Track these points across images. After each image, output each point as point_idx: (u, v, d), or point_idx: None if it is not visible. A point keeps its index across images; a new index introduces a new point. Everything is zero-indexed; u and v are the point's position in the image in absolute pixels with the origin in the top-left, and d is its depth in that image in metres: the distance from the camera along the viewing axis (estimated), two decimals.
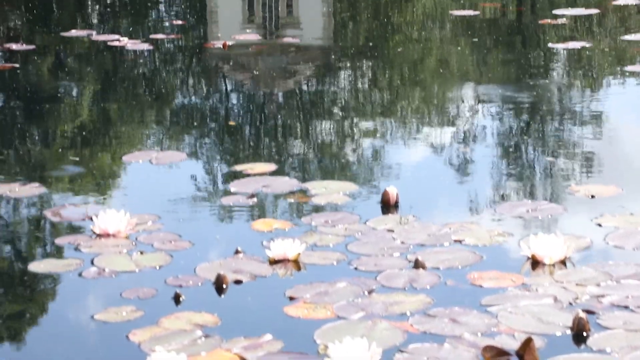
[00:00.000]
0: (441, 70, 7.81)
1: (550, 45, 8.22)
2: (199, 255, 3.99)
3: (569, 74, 7.52)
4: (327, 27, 9.83)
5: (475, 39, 8.58)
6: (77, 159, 5.58)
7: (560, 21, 8.96)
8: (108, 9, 10.21)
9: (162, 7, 10.44)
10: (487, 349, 3.11)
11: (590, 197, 4.60)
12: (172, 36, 8.87)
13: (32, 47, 8.30)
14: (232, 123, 6.32)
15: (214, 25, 9.82)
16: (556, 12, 9.32)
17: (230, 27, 9.74)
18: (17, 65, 7.78)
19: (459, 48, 8.45)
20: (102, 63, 8.08)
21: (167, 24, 9.56)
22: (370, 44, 8.76)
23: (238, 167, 5.19)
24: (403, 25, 9.62)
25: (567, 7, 9.53)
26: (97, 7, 10.34)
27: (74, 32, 8.82)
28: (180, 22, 9.45)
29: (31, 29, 9.28)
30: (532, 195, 4.79)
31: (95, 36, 8.68)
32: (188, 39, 8.91)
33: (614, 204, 4.47)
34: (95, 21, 9.73)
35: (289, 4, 10.80)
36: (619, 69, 7.56)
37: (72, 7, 10.28)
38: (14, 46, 8.30)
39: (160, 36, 8.80)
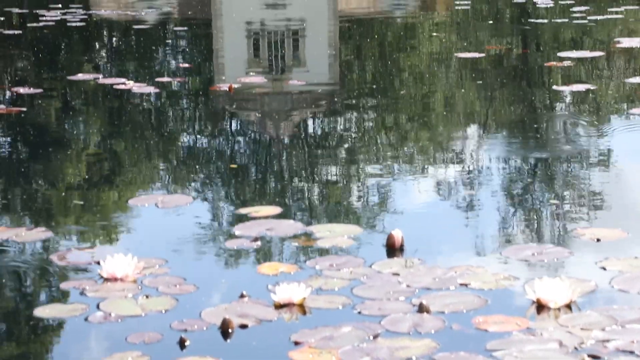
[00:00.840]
0: (446, 113, 7.84)
1: (555, 87, 8.25)
2: (204, 299, 3.99)
3: (574, 117, 7.54)
4: (333, 68, 9.87)
5: (480, 82, 8.61)
6: (82, 202, 5.59)
7: (565, 63, 8.99)
8: (114, 52, 10.27)
9: (168, 49, 10.50)
10: None
11: (595, 240, 4.60)
12: (178, 79, 8.91)
13: (39, 90, 8.34)
14: (233, 165, 6.33)
15: (220, 67, 9.87)
16: (561, 54, 9.36)
17: (237, 69, 9.79)
18: (24, 108, 7.82)
19: (464, 90, 8.48)
20: (109, 106, 8.11)
21: (173, 66, 9.61)
22: (376, 85, 8.78)
23: (243, 210, 5.20)
24: (408, 67, 9.67)
25: (572, 50, 9.57)
26: (103, 50, 10.40)
27: (80, 76, 8.87)
28: (186, 64, 9.49)
29: (38, 72, 9.33)
30: (537, 238, 4.78)
31: (102, 79, 8.72)
32: (194, 81, 8.94)
33: (619, 247, 4.47)
34: (101, 64, 9.77)
35: (295, 45, 10.86)
36: (624, 111, 7.58)
37: (79, 50, 10.34)
38: (22, 90, 8.35)
39: (166, 79, 8.84)
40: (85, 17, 11.85)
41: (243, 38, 11.22)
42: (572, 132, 7.12)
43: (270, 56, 10.21)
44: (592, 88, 8.10)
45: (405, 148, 6.88)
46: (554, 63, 9.07)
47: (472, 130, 7.30)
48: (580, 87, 8.12)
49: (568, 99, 7.95)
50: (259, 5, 13.83)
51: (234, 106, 8.02)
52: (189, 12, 12.64)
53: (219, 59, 10.15)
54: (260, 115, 7.72)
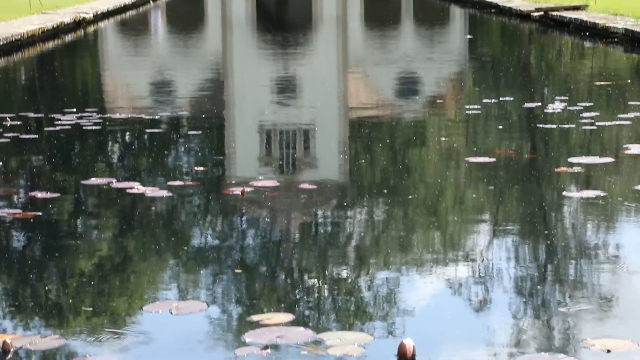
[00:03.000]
0: (456, 216, 7.87)
1: (565, 193, 8.30)
2: None
3: (584, 222, 7.57)
4: (343, 167, 9.93)
5: (491, 186, 8.67)
6: (96, 308, 5.61)
7: (575, 169, 9.05)
8: (127, 156, 10.37)
9: (181, 151, 10.59)
10: None
11: (605, 351, 4.60)
12: (190, 183, 8.97)
13: (53, 195, 8.42)
14: (237, 271, 6.35)
15: (232, 170, 9.94)
16: (570, 160, 9.42)
17: (249, 170, 9.86)
18: (39, 213, 7.88)
19: (475, 194, 8.52)
20: (121, 211, 8.17)
21: (185, 169, 9.69)
22: (386, 186, 8.84)
23: (255, 317, 5.21)
24: (419, 168, 9.73)
25: (581, 155, 9.63)
26: (117, 153, 10.50)
27: (94, 180, 8.96)
28: (198, 168, 9.56)
29: (53, 176, 9.42)
30: (548, 347, 4.78)
31: (115, 184, 8.80)
32: (206, 185, 9.01)
33: (629, 359, 4.46)
34: (115, 168, 9.86)
35: (306, 145, 10.94)
36: (634, 218, 7.62)
37: (93, 154, 10.44)
38: (37, 194, 8.43)
39: (178, 183, 8.90)
40: (100, 120, 11.99)
41: (255, 138, 11.33)
42: (582, 237, 7.15)
43: (282, 156, 10.31)
44: (602, 194, 8.15)
45: (415, 249, 6.91)
46: (564, 169, 9.13)
47: (483, 232, 7.34)
48: (591, 193, 8.17)
49: (578, 205, 7.99)
50: (270, 104, 13.99)
51: (247, 210, 8.07)
52: (203, 115, 12.79)
53: (231, 163, 10.24)
54: (272, 218, 7.76)
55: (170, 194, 8.40)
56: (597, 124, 11.21)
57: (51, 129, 11.43)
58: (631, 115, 11.64)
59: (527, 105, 12.80)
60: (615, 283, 5.89)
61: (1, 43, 19.25)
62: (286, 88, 15.59)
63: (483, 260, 6.52)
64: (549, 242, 6.94)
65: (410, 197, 8.49)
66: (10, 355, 4.77)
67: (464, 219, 7.82)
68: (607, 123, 11.23)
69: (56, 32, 23.84)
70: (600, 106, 12.88)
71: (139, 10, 36.15)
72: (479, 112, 12.43)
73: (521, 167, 9.46)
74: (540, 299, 5.62)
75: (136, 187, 8.59)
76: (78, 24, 26.27)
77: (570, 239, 7.12)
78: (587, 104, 12.58)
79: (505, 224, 7.60)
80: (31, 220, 7.70)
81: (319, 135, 11.54)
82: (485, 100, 13.30)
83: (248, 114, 13.11)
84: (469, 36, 24.97)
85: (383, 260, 6.62)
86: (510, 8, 28.49)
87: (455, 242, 7.19)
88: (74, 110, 12.60)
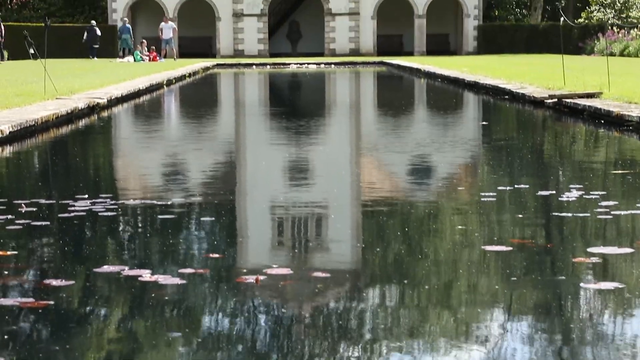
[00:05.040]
0: (472, 307, 7.78)
1: (583, 284, 8.21)
2: None
3: (601, 314, 7.48)
4: (357, 254, 9.88)
5: (508, 276, 8.58)
6: None
7: (592, 259, 8.97)
8: (140, 243, 10.33)
9: (192, 238, 10.57)
10: None
11: None
12: (202, 270, 8.91)
13: (66, 282, 8.38)
14: None
15: (244, 255, 9.89)
16: (587, 250, 9.35)
17: (261, 255, 9.80)
18: (51, 301, 7.83)
19: (491, 284, 8.44)
20: (133, 300, 8.11)
21: (197, 256, 9.64)
22: (399, 275, 8.76)
23: None
24: (433, 256, 9.65)
25: (598, 246, 9.55)
26: (129, 240, 10.47)
27: (105, 268, 8.91)
28: (211, 255, 9.52)
29: (65, 264, 9.38)
30: None
31: (127, 271, 8.75)
32: (219, 272, 8.95)
33: None
34: (127, 256, 9.82)
35: (319, 231, 10.90)
36: None
37: (105, 241, 10.42)
38: (50, 282, 8.39)
39: (191, 270, 8.83)
40: (114, 206, 11.98)
41: (268, 224, 11.31)
42: (599, 329, 7.05)
43: (295, 242, 10.27)
44: (620, 286, 8.05)
45: (429, 338, 6.83)
46: (581, 259, 9.04)
47: (498, 321, 7.26)
48: (609, 285, 8.07)
49: (596, 296, 7.89)
50: (283, 189, 14.00)
51: (261, 300, 7.98)
52: (215, 201, 12.78)
53: (243, 249, 10.19)
54: (286, 308, 7.69)
55: (182, 282, 8.34)
56: (613, 213, 11.14)
57: (65, 215, 11.41)
58: None
59: (543, 193, 12.75)
60: None
61: (16, 129, 19.36)
62: (299, 173, 15.60)
63: (497, 350, 6.45)
64: (565, 333, 6.85)
65: (425, 285, 8.40)
66: None
67: (479, 308, 7.74)
68: (624, 212, 11.16)
69: (70, 117, 24.00)
70: (616, 195, 12.82)
71: (152, 94, 36.48)
72: (494, 199, 12.38)
73: (537, 257, 9.37)
74: None
75: (148, 275, 8.54)
76: (92, 109, 26.47)
77: (587, 331, 7.02)
78: (603, 193, 12.52)
79: (521, 313, 7.51)
80: (42, 309, 7.63)
81: (331, 221, 11.50)
82: (500, 188, 13.26)
83: (260, 200, 13.10)
84: (484, 122, 25.05)
85: (397, 349, 6.54)
86: (523, 94, 28.64)
87: (470, 331, 7.10)
88: (86, 196, 12.59)
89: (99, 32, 73.26)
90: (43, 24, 34.18)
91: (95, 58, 69.71)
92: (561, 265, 9.09)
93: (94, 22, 75.61)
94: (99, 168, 17.29)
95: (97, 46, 72.57)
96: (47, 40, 32.10)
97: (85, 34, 72.19)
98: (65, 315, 7.60)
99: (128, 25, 70.84)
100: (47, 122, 21.80)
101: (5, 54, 63.83)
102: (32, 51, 44.73)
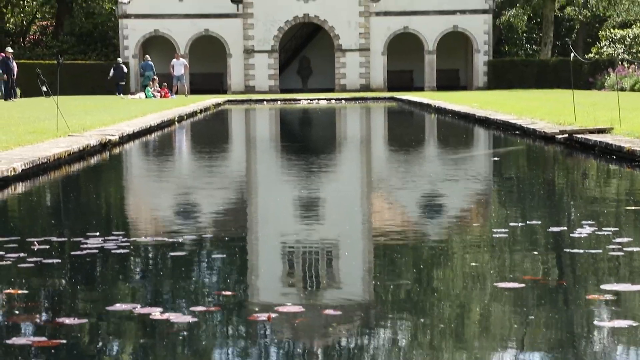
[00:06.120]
0: (485, 343, 7.75)
1: (596, 322, 8.17)
2: None
3: (615, 352, 7.44)
4: (368, 291, 9.86)
5: (527, 315, 8.55)
6: None
7: (605, 297, 8.93)
8: (152, 280, 10.33)
9: (203, 275, 10.57)
10: None
11: None
12: (213, 308, 8.90)
13: (79, 321, 8.38)
14: None
15: (256, 292, 9.88)
16: (599, 287, 9.32)
17: (273, 292, 9.78)
18: (63, 340, 7.83)
19: (504, 321, 8.41)
20: (146, 338, 8.10)
21: (208, 293, 9.63)
22: (412, 311, 8.74)
23: None
24: (445, 292, 9.62)
25: (610, 283, 9.51)
26: (141, 278, 10.47)
27: (118, 306, 8.91)
28: (222, 292, 9.51)
29: (77, 302, 9.38)
30: None
31: (139, 309, 8.75)
32: (231, 310, 8.94)
33: None
34: (139, 293, 9.82)
35: (330, 268, 10.89)
36: None
37: (117, 279, 10.43)
38: (62, 320, 8.39)
39: (202, 308, 8.83)
40: (125, 244, 11.99)
41: (279, 260, 11.31)
42: None
43: (306, 279, 10.26)
44: (635, 324, 8.01)
45: None
46: (594, 296, 9.01)
47: (511, 358, 7.23)
48: (623, 323, 8.03)
49: (610, 334, 7.86)
50: (294, 225, 14.00)
51: (272, 338, 7.97)
52: (226, 238, 12.79)
53: (254, 286, 10.19)
54: (298, 347, 7.67)
55: (194, 320, 8.33)
56: (625, 249, 11.10)
57: (77, 252, 11.42)
58: None
59: (555, 229, 12.72)
60: None
61: (28, 167, 19.42)
62: (310, 209, 15.59)
63: None
64: None
65: (438, 323, 8.38)
66: None
67: (492, 345, 7.71)
68: (636, 249, 11.13)
69: (82, 154, 24.08)
70: (629, 231, 12.78)
71: (164, 131, 36.59)
72: (505, 235, 12.36)
73: (550, 294, 9.34)
74: None
75: (159, 313, 8.54)
76: (104, 146, 26.56)
77: None
78: (615, 229, 12.49)
79: (534, 351, 7.49)
80: (55, 348, 7.62)
81: (343, 258, 11.48)
82: (512, 224, 13.24)
83: (272, 236, 13.09)
84: (495, 158, 25.04)
85: None
86: (534, 130, 28.65)
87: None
88: (97, 234, 12.61)
89: (125, 69, 73.65)
90: (56, 62, 34.38)
91: (122, 95, 69.77)
92: (574, 303, 9.06)
93: (120, 60, 76.04)
94: (111, 205, 17.32)
95: (123, 83, 72.94)
96: (59, 77, 32.26)
97: (112, 70, 72.58)
98: (78, 354, 7.59)
99: (151, 62, 70.98)
100: (59, 159, 21.87)
101: (18, 91, 64.15)
102: (44, 89, 44.97)
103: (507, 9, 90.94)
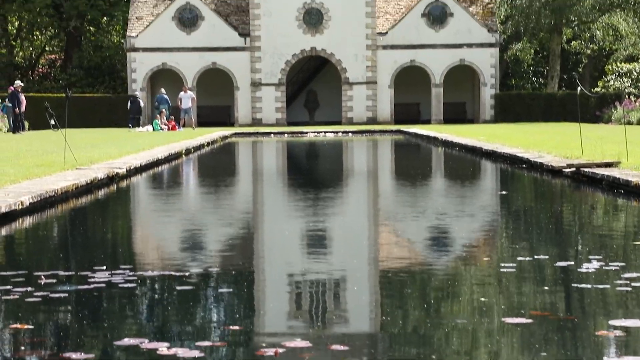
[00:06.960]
0: None
1: (605, 359, 8.14)
2: None
3: None
4: (375, 325, 9.84)
5: (536, 351, 8.51)
6: None
7: (615, 332, 8.90)
8: (157, 314, 10.31)
9: (210, 310, 10.55)
10: None
11: None
12: (220, 343, 8.90)
13: (86, 356, 8.37)
14: None
15: (262, 327, 9.86)
16: (608, 322, 9.27)
17: (279, 326, 9.76)
18: None
19: (513, 357, 8.38)
20: None
21: (215, 327, 9.61)
22: (419, 346, 8.71)
23: None
24: (453, 327, 9.58)
25: (619, 318, 9.47)
26: (147, 312, 10.46)
27: (126, 341, 8.89)
28: (230, 327, 9.49)
29: (85, 337, 9.36)
30: None
31: (146, 344, 8.73)
32: (238, 345, 8.92)
33: None
34: (146, 328, 9.80)
35: (338, 302, 10.86)
36: None
37: (125, 313, 10.42)
38: (73, 356, 8.37)
39: (209, 343, 8.81)
40: (133, 278, 11.99)
41: (285, 294, 11.29)
42: None
43: (313, 313, 10.24)
44: None
45: None
46: (603, 332, 8.97)
47: None
48: None
49: None
50: (301, 258, 13.99)
51: None
52: (233, 272, 12.78)
53: (261, 320, 10.17)
54: None
55: (200, 355, 8.31)
56: (633, 284, 11.07)
57: (84, 287, 11.41)
58: None
59: (562, 263, 12.69)
60: None
61: (36, 200, 19.45)
62: (318, 243, 15.57)
63: None
64: None
65: (446, 357, 8.35)
66: None
67: None
68: None
69: (89, 187, 24.11)
70: (637, 266, 12.74)
71: (171, 164, 36.64)
72: (513, 270, 12.33)
73: (559, 329, 9.30)
74: None
75: (167, 348, 8.52)
76: (111, 179, 26.59)
77: None
78: (622, 264, 12.46)
79: None
80: None
81: (350, 290, 11.46)
82: (519, 258, 13.21)
83: (279, 270, 13.07)
84: (503, 192, 25.01)
85: None
86: (541, 164, 28.63)
87: None
88: (104, 267, 12.60)
89: (142, 104, 73.82)
90: (64, 94, 34.54)
91: (136, 129, 69.36)
92: (584, 338, 9.01)
93: (138, 93, 76.22)
94: (118, 239, 17.33)
95: (139, 116, 73.06)
96: (67, 110, 32.37)
97: (129, 104, 72.76)
98: None
99: (166, 96, 71.03)
100: (67, 192, 21.90)
101: (27, 124, 64.37)
102: (52, 122, 45.11)
103: (513, 43, 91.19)
